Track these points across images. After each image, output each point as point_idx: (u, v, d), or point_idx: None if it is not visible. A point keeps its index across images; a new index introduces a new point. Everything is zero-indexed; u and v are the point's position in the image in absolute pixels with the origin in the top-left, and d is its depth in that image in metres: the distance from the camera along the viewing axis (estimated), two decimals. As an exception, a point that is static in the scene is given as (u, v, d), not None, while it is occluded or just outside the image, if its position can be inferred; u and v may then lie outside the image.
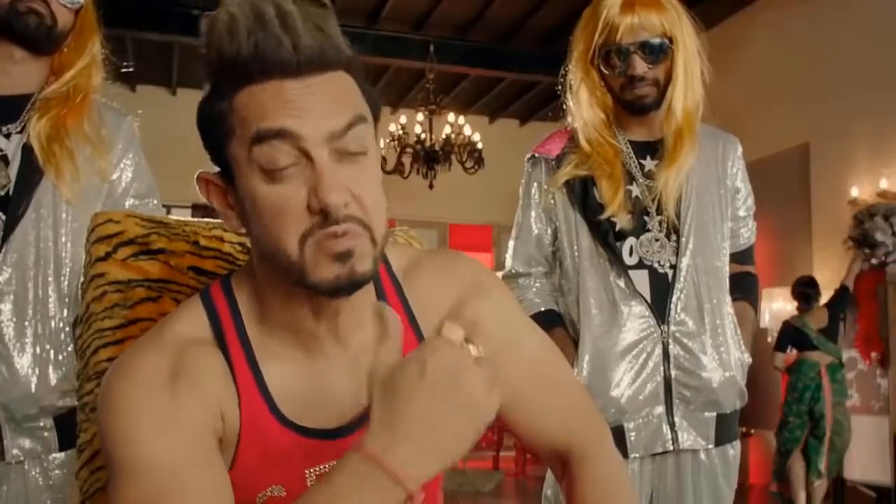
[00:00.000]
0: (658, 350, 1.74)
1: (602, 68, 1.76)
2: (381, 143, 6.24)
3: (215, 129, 0.83)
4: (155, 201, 1.71)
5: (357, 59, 0.86)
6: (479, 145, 7.30)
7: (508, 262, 1.93)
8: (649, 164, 1.81)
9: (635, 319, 1.75)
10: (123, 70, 1.73)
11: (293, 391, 0.87)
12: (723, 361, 1.76)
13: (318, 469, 0.87)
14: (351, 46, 0.85)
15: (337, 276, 0.80)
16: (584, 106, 1.81)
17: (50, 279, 1.53)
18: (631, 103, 1.76)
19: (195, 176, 0.87)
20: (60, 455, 1.54)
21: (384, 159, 6.71)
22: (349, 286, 0.81)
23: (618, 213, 1.75)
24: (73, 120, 1.57)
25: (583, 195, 1.80)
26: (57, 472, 1.54)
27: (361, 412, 0.89)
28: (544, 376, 1.01)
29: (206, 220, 1.11)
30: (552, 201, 1.84)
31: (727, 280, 1.82)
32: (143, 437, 0.77)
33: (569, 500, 1.02)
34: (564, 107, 1.88)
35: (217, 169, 0.86)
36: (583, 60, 1.79)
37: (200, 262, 1.05)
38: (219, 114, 0.82)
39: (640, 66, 1.70)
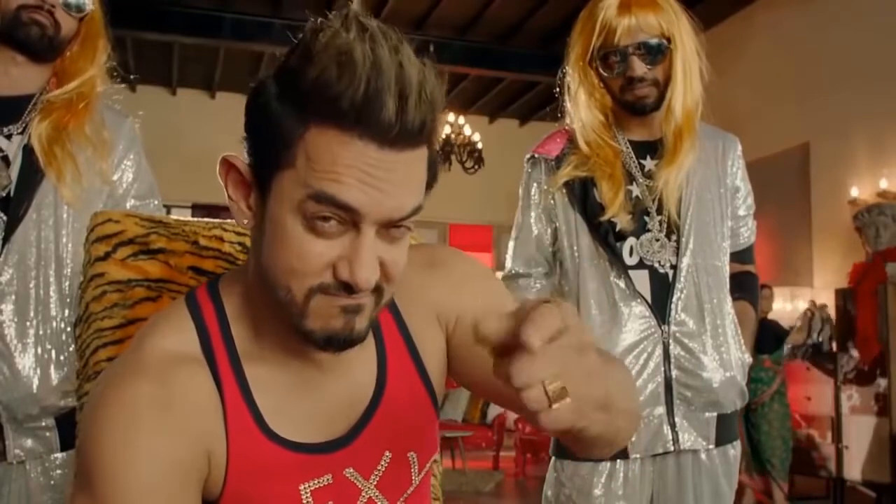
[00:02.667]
0: (658, 350, 1.74)
1: (600, 70, 1.75)
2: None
3: (271, 142, 0.76)
4: (156, 202, 1.71)
5: (439, 129, 0.81)
6: (479, 145, 7.31)
7: (508, 263, 1.93)
8: (649, 163, 1.81)
9: (636, 320, 1.74)
10: (127, 83, 1.73)
11: (284, 403, 0.84)
12: (723, 361, 1.76)
13: (312, 484, 0.85)
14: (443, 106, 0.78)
15: (336, 330, 0.78)
16: (581, 108, 1.81)
17: (51, 280, 1.53)
18: (631, 104, 1.75)
19: (220, 158, 0.80)
20: (62, 455, 1.54)
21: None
22: (343, 343, 0.79)
23: (618, 214, 1.75)
24: (74, 123, 1.57)
25: (583, 196, 1.79)
26: (58, 472, 1.54)
27: (356, 422, 0.87)
28: None
29: (206, 220, 1.11)
30: (552, 202, 1.84)
31: (727, 280, 1.82)
32: (127, 473, 0.76)
33: None
34: (564, 107, 1.88)
35: (247, 159, 0.80)
36: (580, 62, 1.78)
37: (200, 261, 1.05)
38: (285, 133, 0.75)
39: (638, 67, 1.70)
